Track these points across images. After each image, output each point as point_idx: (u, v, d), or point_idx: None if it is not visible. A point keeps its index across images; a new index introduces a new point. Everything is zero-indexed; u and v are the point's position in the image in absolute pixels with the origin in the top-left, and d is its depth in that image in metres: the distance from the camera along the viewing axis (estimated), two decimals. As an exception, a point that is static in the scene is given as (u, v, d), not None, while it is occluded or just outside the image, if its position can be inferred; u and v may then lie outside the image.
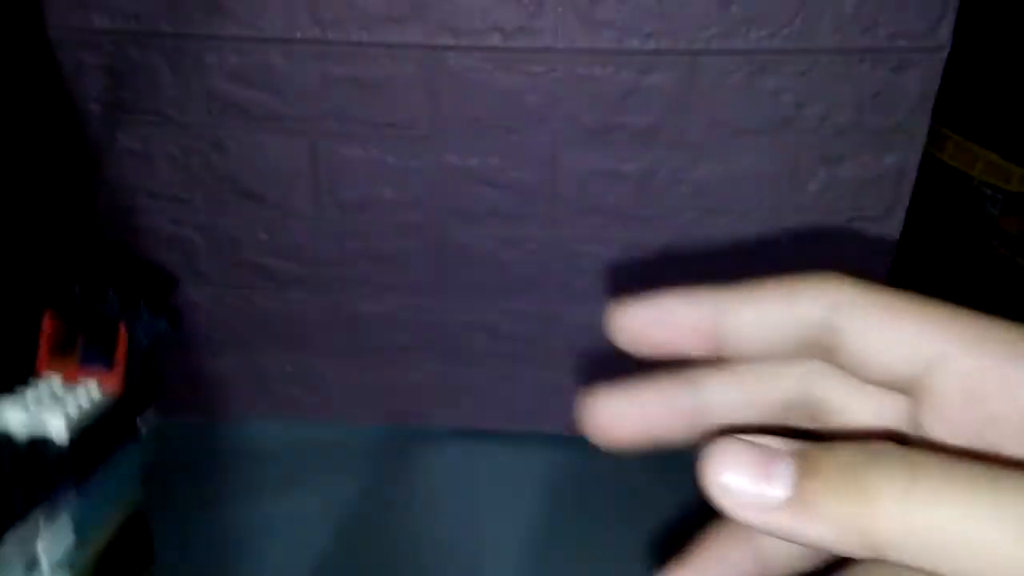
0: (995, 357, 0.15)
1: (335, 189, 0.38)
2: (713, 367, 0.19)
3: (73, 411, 0.33)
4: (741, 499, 0.15)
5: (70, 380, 0.36)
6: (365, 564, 0.33)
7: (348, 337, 0.42)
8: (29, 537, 0.29)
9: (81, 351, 0.37)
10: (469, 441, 0.41)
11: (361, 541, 0.34)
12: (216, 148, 0.38)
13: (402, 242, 0.40)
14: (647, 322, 0.18)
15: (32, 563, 0.29)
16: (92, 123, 0.39)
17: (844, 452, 0.15)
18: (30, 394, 0.34)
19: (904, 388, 0.16)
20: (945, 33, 0.34)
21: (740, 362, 0.18)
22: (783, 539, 0.15)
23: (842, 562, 0.15)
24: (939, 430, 0.15)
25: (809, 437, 0.16)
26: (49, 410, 0.32)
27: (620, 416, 0.19)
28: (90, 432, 0.32)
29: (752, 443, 0.15)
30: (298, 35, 0.35)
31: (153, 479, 0.34)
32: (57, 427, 0.31)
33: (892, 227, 0.39)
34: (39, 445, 0.31)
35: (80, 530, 0.30)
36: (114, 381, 0.36)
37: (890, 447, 0.15)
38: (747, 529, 0.17)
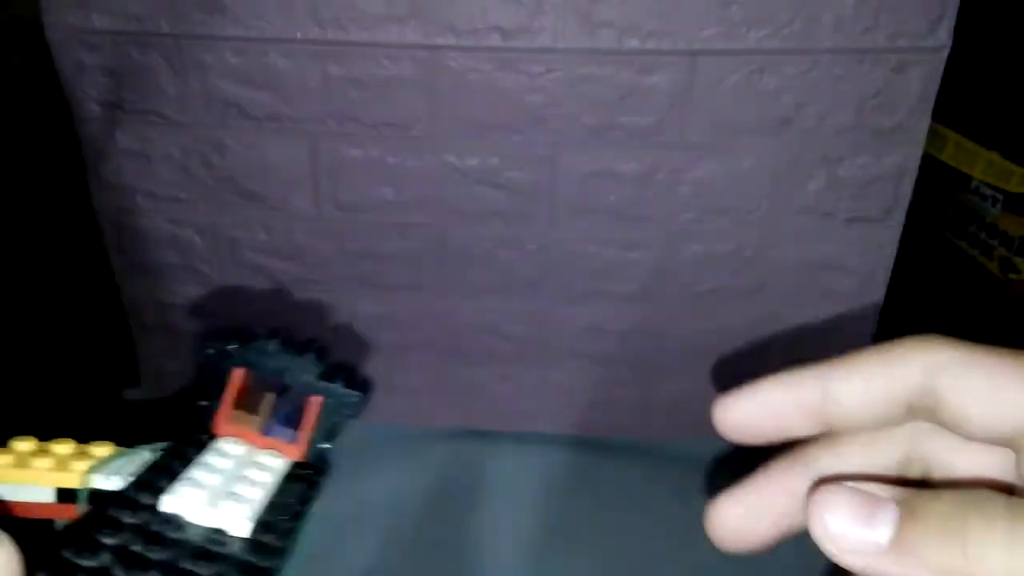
0: None
1: (335, 189, 0.38)
2: (822, 443, 0.19)
3: (257, 498, 0.30)
4: (844, 543, 0.15)
5: (249, 443, 0.33)
6: (363, 564, 0.33)
7: (348, 337, 0.42)
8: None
9: (268, 416, 0.34)
10: (469, 441, 0.41)
11: (359, 541, 0.34)
12: (216, 148, 0.38)
13: (402, 242, 0.40)
14: (753, 413, 0.19)
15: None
16: (91, 123, 0.39)
17: (946, 499, 0.15)
18: (212, 460, 0.31)
19: (1006, 443, 0.16)
20: (945, 33, 0.35)
21: (847, 433, 0.19)
22: None
23: None
24: None
25: (916, 487, 0.17)
26: (233, 498, 0.29)
27: (746, 518, 0.19)
28: (269, 526, 0.29)
29: (856, 489, 0.16)
30: (298, 35, 0.35)
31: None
32: (239, 522, 0.29)
33: (892, 227, 0.39)
34: (215, 539, 0.28)
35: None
36: (295, 454, 0.33)
37: (991, 494, 0.15)
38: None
